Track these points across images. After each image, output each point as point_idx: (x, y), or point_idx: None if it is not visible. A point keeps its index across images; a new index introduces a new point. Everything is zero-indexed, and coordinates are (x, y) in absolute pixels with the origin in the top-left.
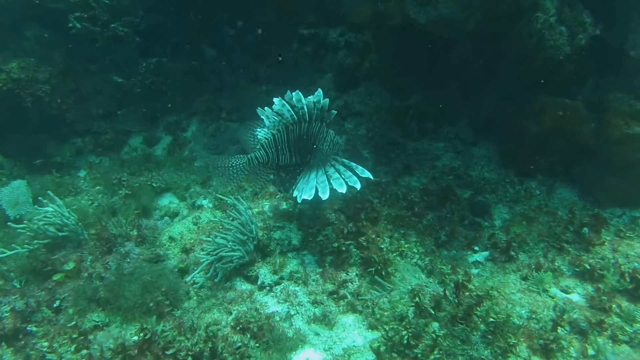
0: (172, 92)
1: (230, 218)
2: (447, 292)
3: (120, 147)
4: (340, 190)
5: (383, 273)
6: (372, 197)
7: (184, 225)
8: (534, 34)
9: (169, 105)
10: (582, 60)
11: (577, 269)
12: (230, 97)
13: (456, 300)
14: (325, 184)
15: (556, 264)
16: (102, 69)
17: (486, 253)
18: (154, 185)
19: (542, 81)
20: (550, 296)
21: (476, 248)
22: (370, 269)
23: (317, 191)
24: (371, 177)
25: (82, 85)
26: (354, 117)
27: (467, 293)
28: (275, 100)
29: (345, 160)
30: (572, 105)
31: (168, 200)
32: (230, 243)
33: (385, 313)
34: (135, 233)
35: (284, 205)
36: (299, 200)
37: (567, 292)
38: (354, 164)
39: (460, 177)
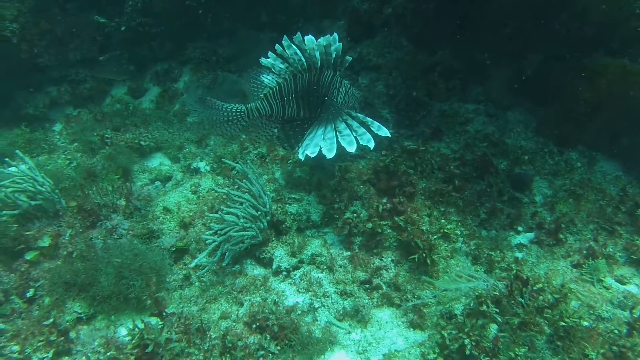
0: (162, 37)
1: (236, 187)
2: (513, 290)
3: (102, 98)
4: (349, 150)
5: (428, 261)
6: (405, 166)
7: (181, 193)
8: None
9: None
10: None
11: (633, 256)
12: (229, 44)
13: (527, 302)
14: (332, 140)
15: (609, 249)
16: (81, 7)
17: (531, 234)
18: (143, 143)
19: (602, 39)
20: (605, 287)
21: (520, 229)
22: (413, 256)
23: (322, 148)
24: (389, 134)
25: (57, 25)
26: (370, 71)
27: (529, 288)
28: (284, 41)
29: (360, 115)
30: (637, 68)
31: (158, 162)
32: (241, 220)
33: (431, 309)
34: (124, 203)
35: (298, 172)
36: (301, 157)
37: (623, 283)
38: (370, 120)
39: (495, 144)
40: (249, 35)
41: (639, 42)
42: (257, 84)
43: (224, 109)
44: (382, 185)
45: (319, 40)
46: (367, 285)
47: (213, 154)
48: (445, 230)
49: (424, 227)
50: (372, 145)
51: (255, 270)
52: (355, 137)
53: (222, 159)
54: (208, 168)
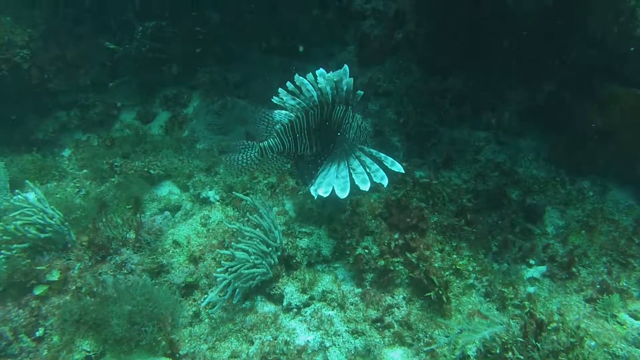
0: (171, 62)
1: (246, 219)
2: (528, 332)
3: (111, 123)
4: (362, 188)
5: (444, 298)
6: (417, 200)
7: (191, 226)
8: (623, 12)
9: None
10: None
11: None
12: (238, 68)
13: (543, 346)
14: (346, 179)
15: (622, 283)
16: (92, 33)
17: (543, 268)
18: (152, 172)
19: (611, 68)
20: (619, 323)
21: (532, 262)
22: (429, 294)
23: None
24: (402, 170)
25: (67, 50)
26: (380, 98)
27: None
28: (295, 78)
29: (373, 150)
30: None
31: (167, 190)
32: (252, 256)
33: (443, 349)
34: (133, 236)
35: (309, 204)
36: (314, 195)
37: (637, 318)
38: (383, 155)
39: (507, 174)
40: (259, 59)
41: None
42: (266, 123)
43: (239, 160)
44: (394, 220)
45: (329, 74)
46: (378, 324)
47: (222, 183)
48: (458, 267)
49: (436, 264)
50: (385, 182)
51: (266, 307)
52: (368, 174)
53: (233, 192)
54: (217, 197)
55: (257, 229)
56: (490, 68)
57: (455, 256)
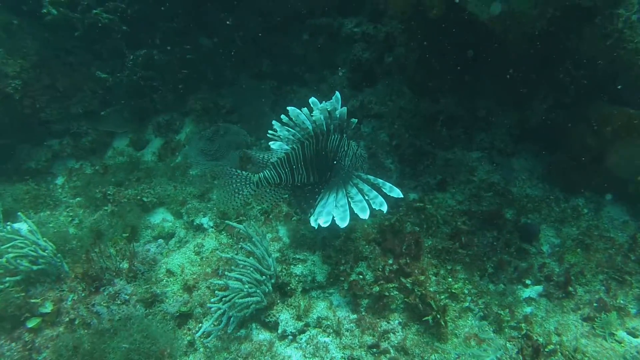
0: (163, 89)
1: (239, 246)
2: (525, 357)
3: (104, 151)
4: (362, 216)
5: (442, 322)
6: (411, 224)
7: (184, 255)
8: (611, 34)
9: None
10: None
11: None
12: (230, 94)
13: None
14: (345, 208)
15: (619, 300)
16: (83, 62)
17: (540, 288)
18: (145, 199)
19: (602, 88)
20: (617, 341)
21: (528, 282)
22: (427, 318)
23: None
24: (401, 195)
25: (59, 80)
26: (372, 120)
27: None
28: (289, 109)
29: (370, 177)
30: None
31: (161, 217)
32: (245, 285)
33: None
34: (127, 266)
35: (302, 230)
36: (314, 225)
37: (635, 336)
38: (381, 181)
39: (501, 194)
40: (250, 85)
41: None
42: (262, 155)
43: (235, 195)
44: (388, 244)
45: (322, 105)
46: (374, 350)
47: (216, 209)
48: (453, 290)
49: (431, 288)
50: (385, 208)
51: (261, 335)
52: (367, 201)
53: (226, 222)
54: (211, 224)
55: (251, 257)
56: (482, 89)
57: (450, 279)
